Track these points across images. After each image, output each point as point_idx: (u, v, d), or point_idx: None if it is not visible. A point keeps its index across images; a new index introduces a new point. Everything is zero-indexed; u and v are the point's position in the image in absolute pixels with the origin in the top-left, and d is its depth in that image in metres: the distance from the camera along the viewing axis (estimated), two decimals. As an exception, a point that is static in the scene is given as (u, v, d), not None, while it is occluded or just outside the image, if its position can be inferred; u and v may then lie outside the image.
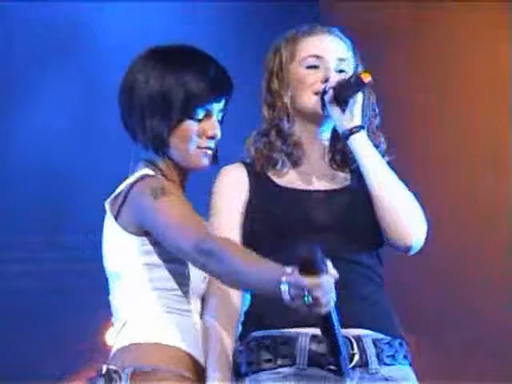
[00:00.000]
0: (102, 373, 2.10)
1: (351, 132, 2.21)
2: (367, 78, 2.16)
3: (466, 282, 5.19)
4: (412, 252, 2.21)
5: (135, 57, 2.26)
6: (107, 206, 2.20)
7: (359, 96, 2.22)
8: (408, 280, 5.03)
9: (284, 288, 1.79)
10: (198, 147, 2.20)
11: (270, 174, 2.25)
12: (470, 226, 5.34)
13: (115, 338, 2.19)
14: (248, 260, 1.92)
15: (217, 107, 2.22)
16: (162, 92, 2.17)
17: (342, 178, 2.27)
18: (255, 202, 2.23)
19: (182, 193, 2.20)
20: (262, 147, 2.25)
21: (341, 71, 2.25)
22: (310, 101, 2.24)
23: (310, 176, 2.25)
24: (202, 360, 2.15)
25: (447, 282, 5.31)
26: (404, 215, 2.18)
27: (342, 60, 2.26)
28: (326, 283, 1.78)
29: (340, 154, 2.27)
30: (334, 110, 2.22)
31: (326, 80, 2.22)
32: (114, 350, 2.18)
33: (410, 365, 2.21)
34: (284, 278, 1.78)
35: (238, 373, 2.15)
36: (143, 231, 2.13)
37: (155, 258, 2.14)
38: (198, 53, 2.25)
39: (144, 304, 2.15)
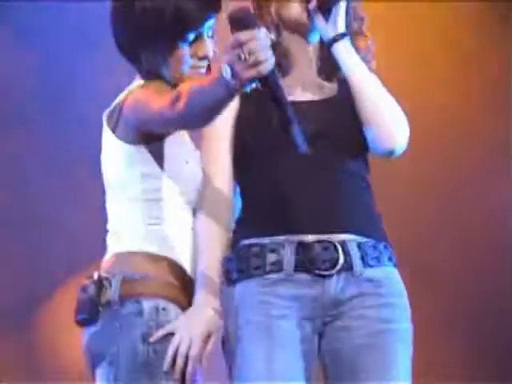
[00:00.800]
0: (94, 279, 2.22)
1: (334, 40, 2.27)
2: None
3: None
4: (394, 155, 2.29)
5: None
6: (104, 119, 2.28)
7: (342, 4, 2.27)
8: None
9: (225, 70, 1.77)
10: (191, 67, 2.27)
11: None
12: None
13: (108, 246, 2.31)
14: (194, 85, 1.95)
15: (207, 26, 2.27)
16: (155, 19, 2.21)
17: (330, 88, 2.33)
18: (244, 114, 2.30)
19: None
20: None
21: None
22: (295, 10, 2.29)
23: (297, 86, 2.30)
24: (189, 270, 2.26)
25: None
26: (387, 119, 2.25)
27: None
28: (261, 35, 1.74)
29: (328, 63, 2.32)
30: (319, 19, 2.27)
31: None
32: (105, 257, 2.30)
33: (395, 266, 2.30)
34: (222, 65, 1.78)
35: (228, 279, 2.26)
36: (140, 138, 2.21)
37: (151, 168, 2.23)
38: None
39: (136, 214, 2.25)
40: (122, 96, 2.28)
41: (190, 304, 2.23)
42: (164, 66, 2.25)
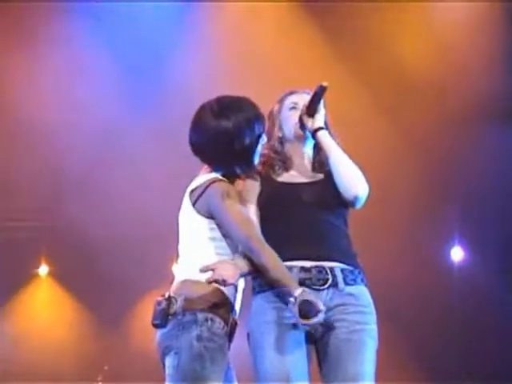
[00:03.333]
0: (165, 297, 3.13)
1: (318, 130, 3.35)
2: (324, 83, 3.31)
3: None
4: (358, 203, 3.30)
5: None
6: (187, 195, 3.21)
7: (322, 107, 3.36)
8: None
9: (291, 300, 3.00)
10: None
11: (272, 176, 3.37)
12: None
13: (178, 273, 3.22)
14: (275, 264, 3.08)
15: None
16: (254, 141, 3.26)
17: (319, 176, 3.39)
18: (264, 193, 3.32)
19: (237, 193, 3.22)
20: (266, 160, 3.38)
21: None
22: (292, 128, 3.41)
23: (297, 176, 3.38)
24: (227, 292, 3.14)
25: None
26: (351, 175, 3.31)
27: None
28: (312, 324, 2.98)
29: (318, 161, 3.40)
30: (307, 120, 3.35)
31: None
32: (175, 282, 3.20)
33: (366, 285, 3.27)
34: (291, 299, 2.99)
35: (254, 291, 3.24)
36: (211, 216, 3.15)
37: (217, 233, 3.16)
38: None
39: (205, 257, 3.14)
40: (203, 180, 3.19)
41: (228, 317, 3.11)
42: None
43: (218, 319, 3.08)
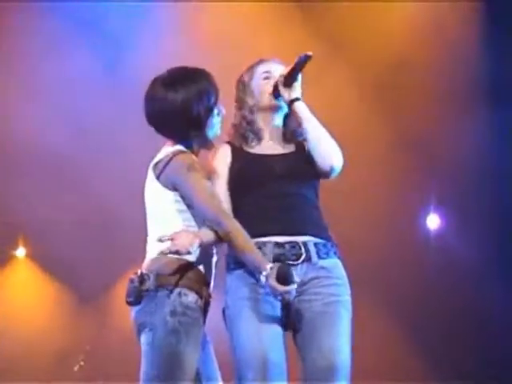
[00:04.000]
0: (138, 274, 3.13)
1: (295, 100, 3.32)
2: (309, 53, 3.26)
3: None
4: (334, 174, 3.30)
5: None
6: (150, 168, 3.20)
7: (299, 77, 3.30)
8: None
9: (262, 278, 3.00)
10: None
11: (244, 147, 3.36)
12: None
13: (149, 250, 3.22)
14: (243, 241, 3.07)
15: None
16: (205, 109, 3.23)
17: (290, 146, 3.38)
18: (236, 165, 3.32)
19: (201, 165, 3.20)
20: (237, 131, 3.37)
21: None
22: (265, 97, 3.37)
23: (269, 147, 3.36)
24: (205, 272, 3.17)
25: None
26: (327, 147, 3.31)
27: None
28: (291, 290, 2.99)
29: (289, 131, 3.39)
30: (284, 90, 3.31)
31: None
32: (146, 258, 3.20)
33: (339, 258, 3.28)
34: (264, 273, 3.00)
35: (228, 268, 3.24)
36: (176, 188, 3.14)
37: (183, 206, 3.15)
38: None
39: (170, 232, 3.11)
40: (166, 153, 3.18)
41: (202, 290, 3.12)
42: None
43: (191, 293, 3.09)
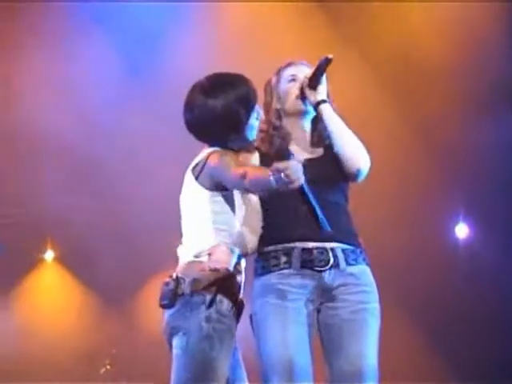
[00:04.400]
0: (173, 278, 3.12)
1: (321, 102, 3.29)
2: (330, 55, 3.24)
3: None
4: (361, 177, 3.27)
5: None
6: (189, 172, 3.21)
7: (324, 79, 3.29)
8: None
9: (272, 179, 2.80)
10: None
11: (271, 153, 3.30)
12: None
13: (183, 254, 3.21)
14: (256, 173, 2.94)
15: None
16: (242, 115, 3.26)
17: (318, 151, 3.35)
18: None
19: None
20: (264, 137, 3.35)
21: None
22: (291, 102, 3.34)
23: (297, 152, 3.31)
24: (239, 278, 3.17)
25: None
26: (354, 149, 3.27)
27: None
28: (292, 165, 2.79)
29: (317, 135, 3.36)
30: (309, 93, 3.30)
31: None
32: (180, 262, 3.20)
33: (368, 265, 3.26)
34: (270, 175, 2.81)
35: (256, 274, 3.24)
36: (215, 187, 3.14)
37: (219, 207, 3.16)
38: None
39: (205, 236, 3.15)
40: (203, 155, 3.20)
41: (236, 298, 3.12)
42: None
43: (226, 300, 3.10)
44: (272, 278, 3.17)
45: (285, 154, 2.93)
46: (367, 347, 3.13)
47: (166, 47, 7.21)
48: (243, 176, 2.95)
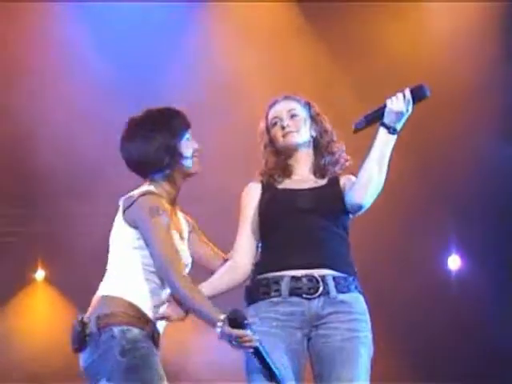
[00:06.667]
0: (78, 319, 3.04)
1: (385, 125, 3.22)
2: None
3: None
4: (359, 211, 3.27)
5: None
6: (121, 202, 3.16)
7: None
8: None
9: (218, 330, 2.89)
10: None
11: (273, 183, 3.37)
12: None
13: (100, 288, 3.14)
14: (197, 299, 2.98)
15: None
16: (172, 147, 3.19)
17: (322, 181, 3.36)
18: (263, 201, 3.33)
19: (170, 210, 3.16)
20: (265, 171, 3.39)
21: (292, 116, 3.38)
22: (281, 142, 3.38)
23: (299, 181, 3.36)
24: (150, 314, 3.07)
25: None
26: (368, 183, 3.22)
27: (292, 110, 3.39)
28: (247, 336, 2.90)
29: (317, 166, 3.39)
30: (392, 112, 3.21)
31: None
32: (94, 297, 3.11)
33: (360, 292, 3.23)
34: (219, 324, 2.89)
35: (246, 301, 3.24)
36: (136, 227, 3.09)
37: (142, 243, 3.08)
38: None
39: (129, 273, 3.09)
40: (137, 191, 3.13)
41: (146, 326, 3.02)
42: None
43: (134, 328, 3.01)
44: (262, 306, 3.18)
45: (242, 322, 2.93)
46: (358, 376, 3.11)
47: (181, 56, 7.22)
48: (184, 287, 2.99)
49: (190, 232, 3.29)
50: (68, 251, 7.41)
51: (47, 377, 7.52)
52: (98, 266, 7.19)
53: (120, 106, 6.32)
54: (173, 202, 3.23)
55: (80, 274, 7.35)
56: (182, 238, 3.21)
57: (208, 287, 3.20)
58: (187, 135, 3.22)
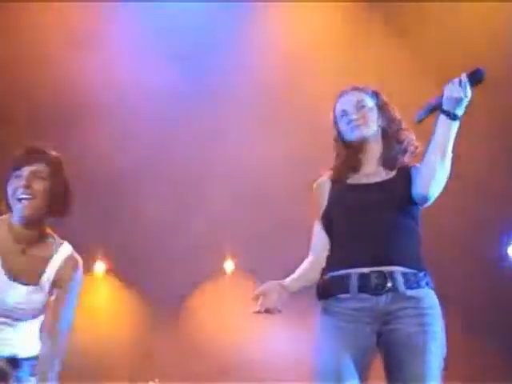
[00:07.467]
0: None
1: (445, 113, 3.18)
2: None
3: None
4: (426, 203, 3.22)
5: None
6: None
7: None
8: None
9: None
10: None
11: (342, 178, 3.37)
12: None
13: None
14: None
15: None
16: None
17: (390, 174, 3.33)
18: (332, 198, 3.35)
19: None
20: (335, 166, 3.41)
21: (360, 107, 3.38)
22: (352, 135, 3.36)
23: (368, 175, 3.34)
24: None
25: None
26: (433, 174, 3.17)
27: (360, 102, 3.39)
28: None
29: (386, 158, 3.35)
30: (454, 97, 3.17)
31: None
32: None
33: (431, 288, 3.20)
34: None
35: (318, 296, 3.26)
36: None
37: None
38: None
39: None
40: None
41: None
42: None
43: None
44: (331, 302, 3.21)
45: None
46: (428, 370, 3.08)
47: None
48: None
49: None
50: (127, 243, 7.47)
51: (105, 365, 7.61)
52: (153, 255, 7.30)
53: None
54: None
55: (138, 264, 7.44)
56: None
57: (297, 280, 3.27)
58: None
